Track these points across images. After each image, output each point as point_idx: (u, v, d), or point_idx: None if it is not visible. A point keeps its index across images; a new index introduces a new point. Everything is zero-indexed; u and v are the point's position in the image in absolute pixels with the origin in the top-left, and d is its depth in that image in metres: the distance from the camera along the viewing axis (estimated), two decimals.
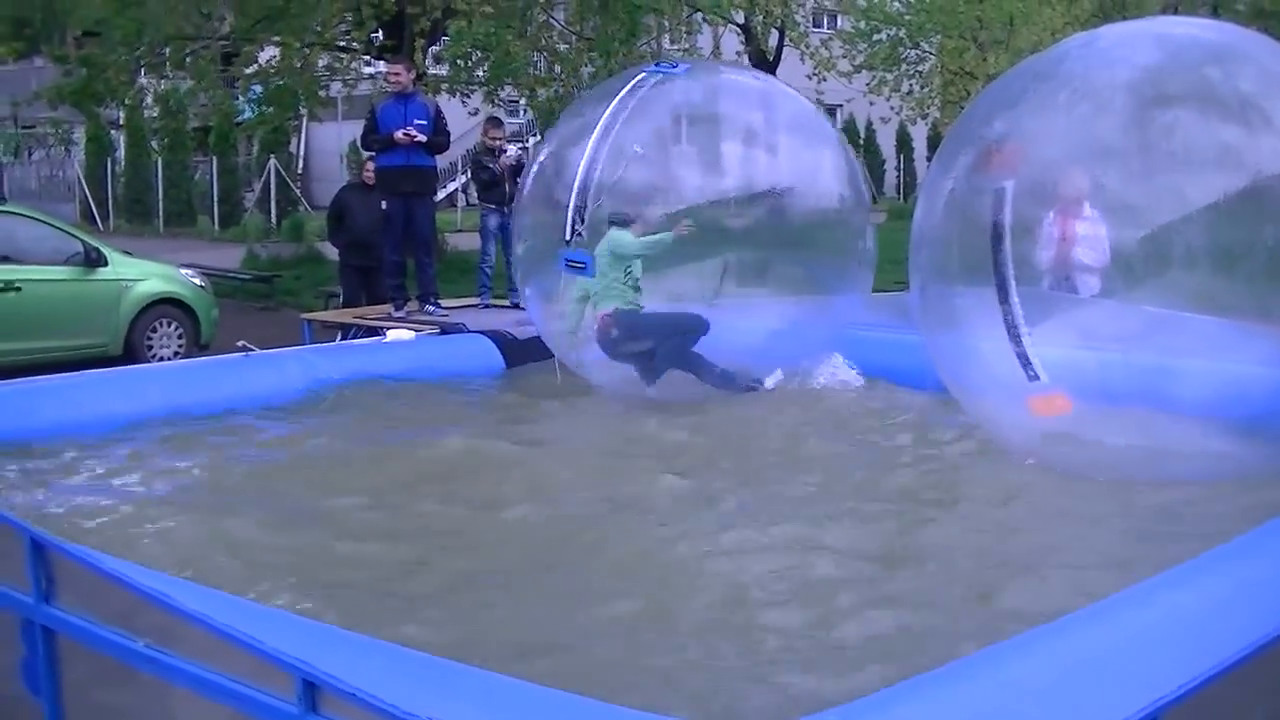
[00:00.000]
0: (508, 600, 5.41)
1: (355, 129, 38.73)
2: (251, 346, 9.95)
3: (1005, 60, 31.31)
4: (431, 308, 12.74)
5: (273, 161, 34.23)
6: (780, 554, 5.98)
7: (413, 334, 10.97)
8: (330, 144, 41.21)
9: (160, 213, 36.31)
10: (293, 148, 38.26)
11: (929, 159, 47.96)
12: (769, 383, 9.64)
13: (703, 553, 6.02)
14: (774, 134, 10.60)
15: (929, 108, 34.81)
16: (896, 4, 35.03)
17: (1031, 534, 6.41)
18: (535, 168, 10.37)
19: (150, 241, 29.09)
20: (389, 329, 11.22)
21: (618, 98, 9.67)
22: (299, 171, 38.29)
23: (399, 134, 12.31)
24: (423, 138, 12.47)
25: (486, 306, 13.31)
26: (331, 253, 17.40)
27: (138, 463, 7.62)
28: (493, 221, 13.38)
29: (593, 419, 9.29)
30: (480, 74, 19.84)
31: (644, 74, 10.00)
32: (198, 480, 7.34)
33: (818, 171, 10.37)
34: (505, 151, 13.56)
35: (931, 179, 8.35)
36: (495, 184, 13.30)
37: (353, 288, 14.67)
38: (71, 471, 7.31)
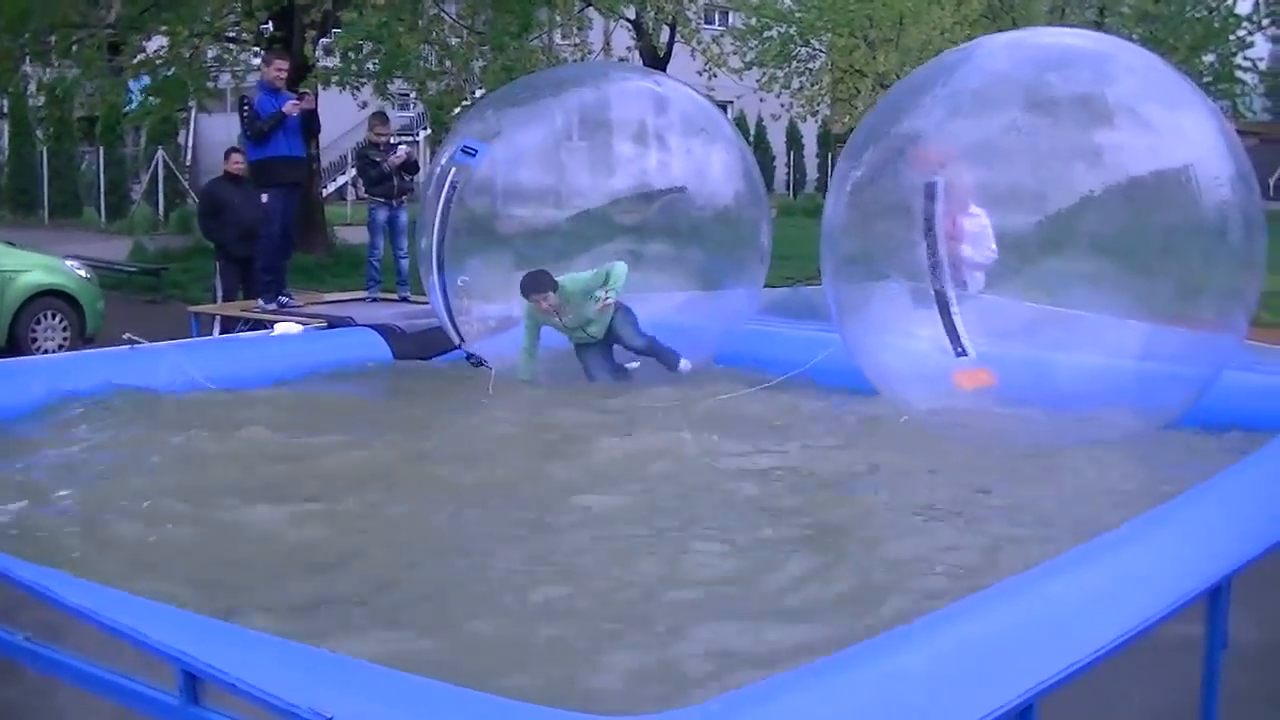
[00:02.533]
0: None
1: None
2: (137, 339, 9.90)
3: (895, 58, 31.72)
4: (285, 299, 12.76)
5: (160, 153, 33.74)
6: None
7: (300, 328, 10.97)
8: (219, 136, 40.61)
9: (45, 203, 35.67)
10: (181, 139, 37.76)
11: (819, 156, 48.58)
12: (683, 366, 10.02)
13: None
14: (669, 133, 10.89)
15: (819, 105, 35.13)
16: (787, 1, 35.37)
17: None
18: (438, 169, 10.60)
19: (36, 232, 28.51)
20: (276, 322, 11.21)
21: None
22: (187, 164, 37.79)
23: (289, 104, 12.30)
24: (311, 104, 12.56)
25: (375, 300, 13.34)
26: None
27: (14, 455, 7.61)
28: (381, 216, 13.45)
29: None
30: (371, 67, 19.76)
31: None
32: (76, 475, 7.31)
33: (714, 168, 10.73)
34: (394, 148, 13.60)
35: (840, 175, 8.73)
36: (383, 179, 13.36)
37: (231, 281, 14.51)
38: None
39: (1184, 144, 7.61)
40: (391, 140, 14.02)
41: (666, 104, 11.06)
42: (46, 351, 14.13)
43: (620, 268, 9.71)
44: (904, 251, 7.99)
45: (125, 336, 9.92)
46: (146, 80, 22.22)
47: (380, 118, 14.04)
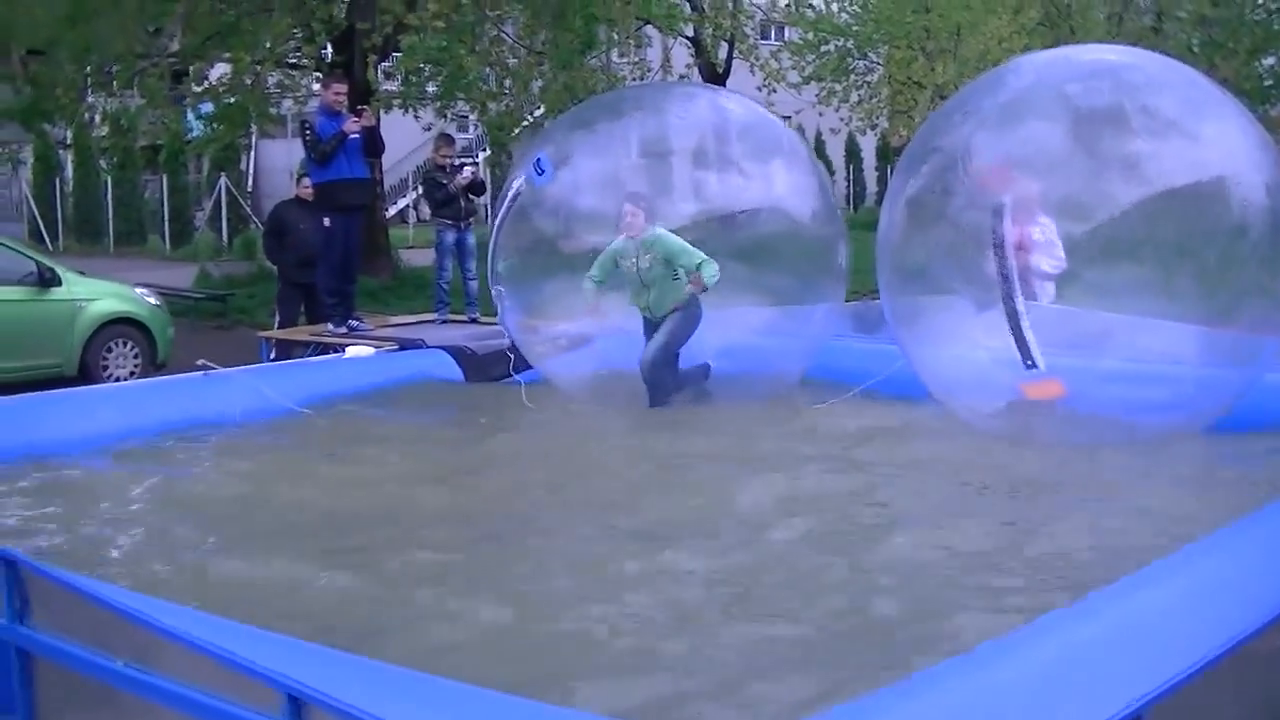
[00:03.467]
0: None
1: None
2: (212, 365, 9.91)
3: (952, 70, 31.59)
4: (355, 323, 12.74)
5: (223, 179, 34.03)
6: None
7: (372, 350, 10.97)
8: (279, 161, 41.08)
9: (110, 232, 36.05)
10: (242, 166, 38.05)
11: (877, 169, 48.39)
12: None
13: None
14: (744, 154, 10.77)
15: (877, 118, 35.02)
16: (844, 15, 35.27)
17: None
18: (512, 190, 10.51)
19: (100, 261, 28.82)
20: (348, 345, 11.22)
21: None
22: (249, 189, 38.11)
23: (349, 123, 12.30)
24: (372, 121, 12.62)
25: (444, 322, 13.33)
26: None
27: (100, 484, 7.62)
28: (449, 238, 13.41)
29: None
30: (432, 89, 19.83)
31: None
32: (164, 501, 7.33)
33: (788, 189, 10.54)
34: (459, 169, 13.59)
35: (895, 188, 8.88)
36: (450, 201, 13.31)
37: (292, 305, 14.58)
38: (35, 493, 7.27)
39: (1224, 153, 7.80)
40: (457, 161, 14.01)
41: (739, 124, 10.95)
42: (118, 379, 14.22)
43: (714, 265, 9.56)
44: (962, 262, 8.14)
45: (200, 363, 9.93)
46: (207, 108, 22.39)
47: (445, 139, 14.05)
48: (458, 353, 10.96)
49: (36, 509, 6.98)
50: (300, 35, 20.00)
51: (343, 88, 13.04)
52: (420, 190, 22.22)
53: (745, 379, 10.11)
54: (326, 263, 12.81)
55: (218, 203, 34.69)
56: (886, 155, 44.97)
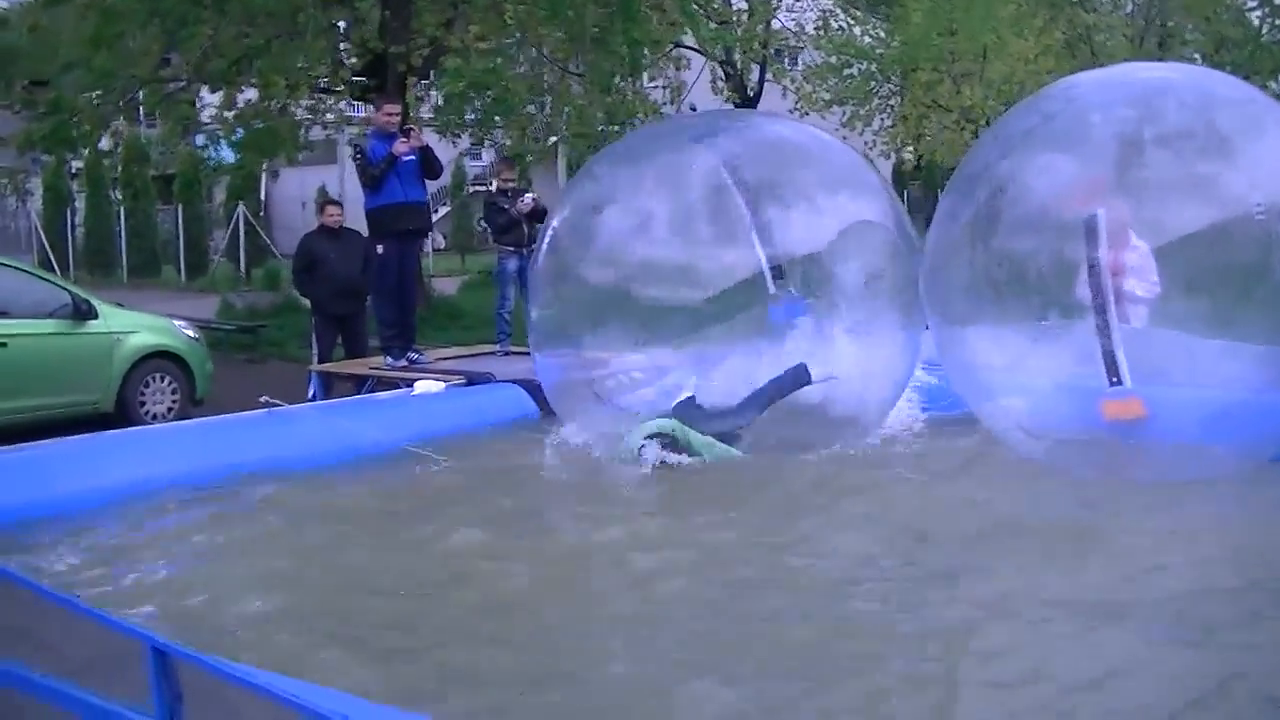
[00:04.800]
0: None
1: (317, 176, 38.48)
2: (276, 401, 9.30)
3: (979, 91, 31.13)
4: (415, 355, 12.19)
5: (241, 208, 33.35)
6: None
7: (442, 385, 10.31)
8: (292, 191, 40.51)
9: (124, 263, 35.41)
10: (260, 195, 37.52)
11: (898, 191, 47.82)
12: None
13: None
14: (825, 192, 9.71)
15: (905, 141, 34.46)
16: (868, 38, 34.81)
17: None
18: (550, 234, 9.75)
19: (115, 293, 27.74)
20: (416, 380, 10.55)
21: None
22: (261, 219, 37.52)
23: (398, 144, 11.74)
24: (423, 141, 12.06)
25: (506, 354, 12.68)
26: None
27: (182, 535, 6.97)
28: (511, 266, 12.81)
29: None
30: (471, 114, 19.18)
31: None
32: (253, 553, 6.68)
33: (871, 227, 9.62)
34: (521, 194, 12.97)
35: (945, 214, 8.61)
36: (512, 227, 12.72)
37: (329, 338, 14.01)
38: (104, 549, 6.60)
39: None
40: (516, 185, 13.40)
41: (804, 153, 10.01)
42: (156, 416, 13.57)
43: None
44: (1020, 288, 7.93)
45: (262, 399, 9.31)
46: (219, 138, 21.76)
47: (506, 163, 13.52)
48: (532, 387, 10.27)
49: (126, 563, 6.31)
50: (331, 59, 19.42)
51: (395, 108, 12.49)
52: (481, 216, 21.54)
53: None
54: (381, 292, 12.23)
55: (235, 232, 33.98)
56: (901, 179, 44.48)
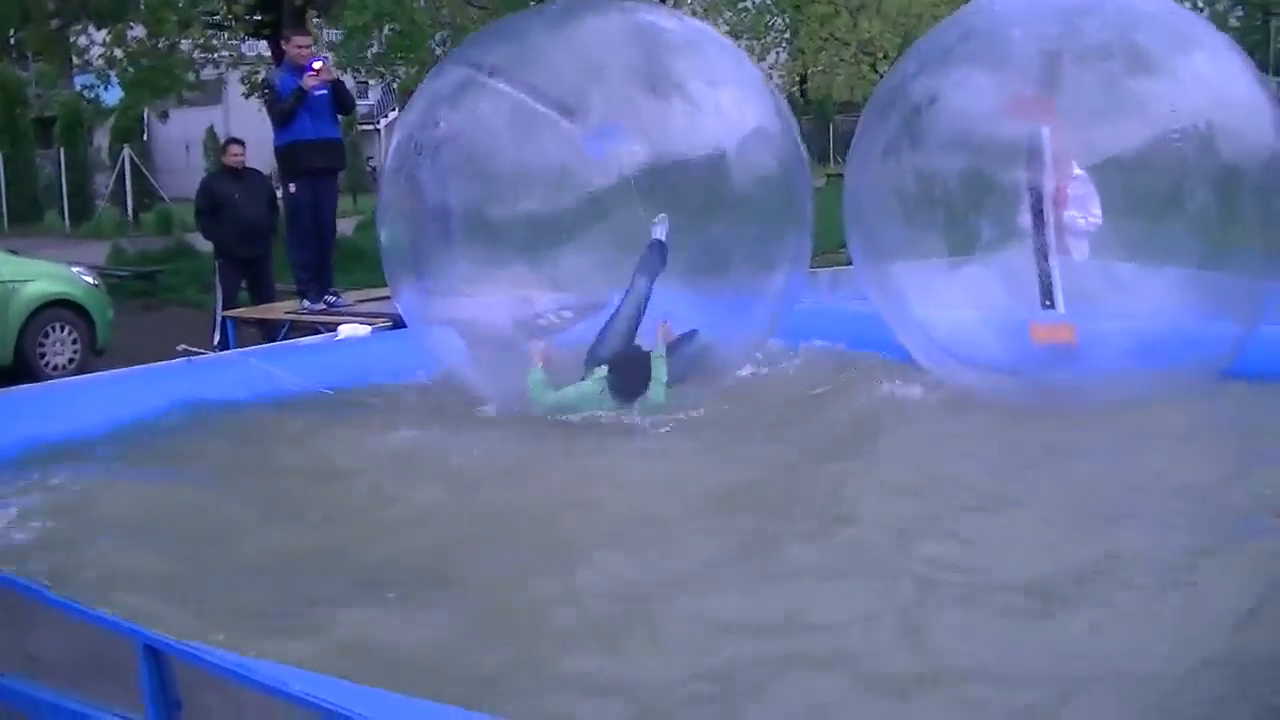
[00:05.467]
0: None
1: (202, 116, 37.42)
2: (196, 350, 8.83)
3: (876, 24, 30.97)
4: (332, 298, 11.72)
5: (126, 151, 32.24)
6: None
7: (368, 329, 9.85)
8: (174, 133, 39.31)
9: (4, 210, 34.20)
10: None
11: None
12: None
13: None
14: (694, 80, 8.49)
15: (801, 75, 34.24)
16: None
17: None
18: (396, 142, 8.59)
19: None
20: (340, 325, 10.08)
21: None
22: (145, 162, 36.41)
23: (307, 77, 11.21)
24: (334, 74, 11.59)
25: None
26: (204, 243, 16.07)
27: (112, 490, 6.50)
28: None
29: None
30: (373, 48, 18.54)
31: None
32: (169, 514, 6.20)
33: (750, 127, 8.51)
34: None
35: (864, 145, 8.17)
36: None
37: (233, 282, 13.47)
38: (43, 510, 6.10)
39: (1218, 89, 7.26)
40: None
41: (689, 45, 8.68)
42: (57, 368, 12.97)
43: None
44: (947, 213, 7.67)
45: (181, 348, 8.82)
46: (92, 79, 20.82)
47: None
48: None
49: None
50: None
51: (306, 40, 11.94)
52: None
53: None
54: (296, 233, 11.72)
55: (121, 176, 32.88)
56: (796, 112, 44.28)
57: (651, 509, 6.05)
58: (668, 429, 7.56)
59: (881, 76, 31.87)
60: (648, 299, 8.19)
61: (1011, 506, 6.02)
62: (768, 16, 34.62)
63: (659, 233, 8.20)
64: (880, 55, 31.87)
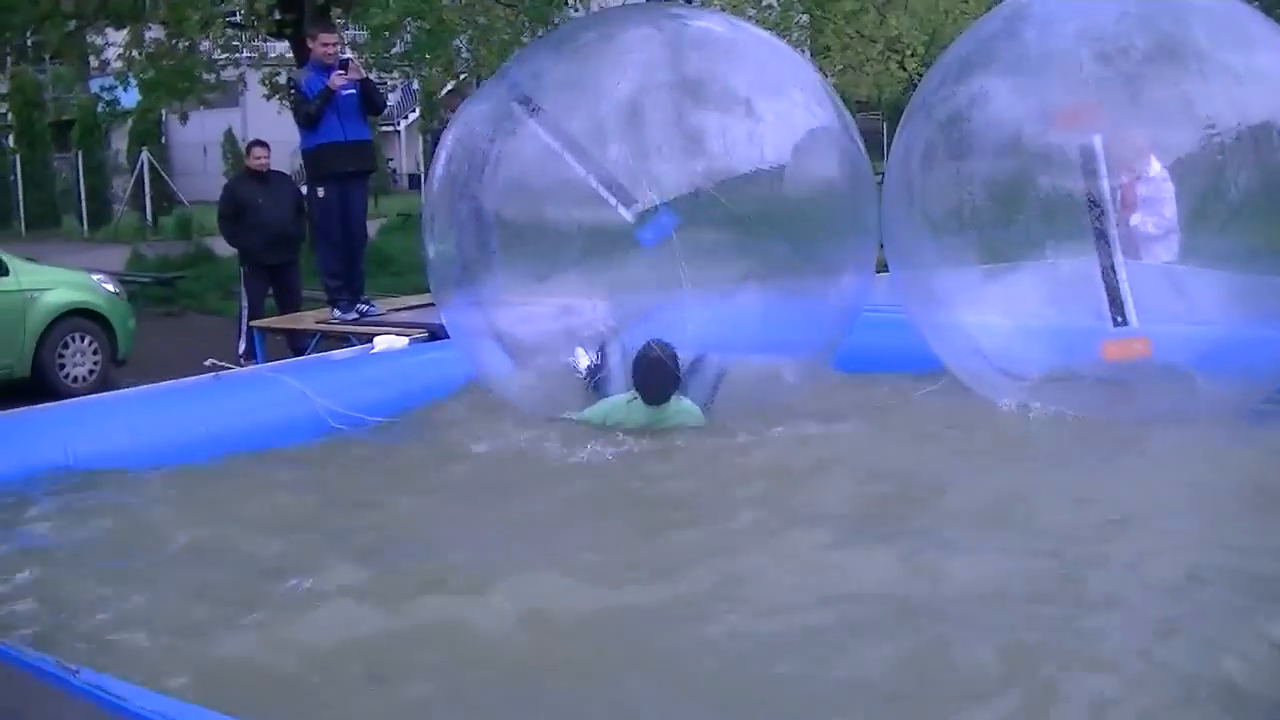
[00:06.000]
0: None
1: (219, 119, 36.95)
2: (224, 364, 8.37)
3: (905, 21, 30.46)
4: (365, 307, 11.25)
5: (145, 154, 31.73)
6: None
7: (405, 340, 9.36)
8: (192, 136, 38.85)
9: (21, 215, 33.78)
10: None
11: None
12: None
13: None
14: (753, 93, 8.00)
15: (829, 75, 33.64)
16: None
17: None
18: (444, 154, 8.20)
19: (12, 246, 26.35)
20: (374, 335, 9.59)
21: None
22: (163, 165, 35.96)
23: (334, 76, 10.80)
24: (361, 73, 11.26)
25: None
26: (225, 248, 15.66)
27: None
28: None
29: None
30: (399, 47, 18.01)
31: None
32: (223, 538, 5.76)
33: (809, 135, 8.04)
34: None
35: (904, 148, 7.91)
36: None
37: (259, 289, 13.10)
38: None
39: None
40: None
41: (741, 54, 8.25)
42: (77, 380, 12.51)
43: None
44: (990, 221, 7.42)
45: (208, 363, 8.35)
46: (111, 81, 20.34)
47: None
48: None
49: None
50: None
51: (332, 38, 11.53)
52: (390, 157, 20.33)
53: None
54: (325, 240, 11.28)
55: (139, 180, 32.40)
56: None
57: None
58: None
59: (909, 74, 31.74)
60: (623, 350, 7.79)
61: None
62: (792, 14, 34.11)
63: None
64: (908, 53, 31.38)
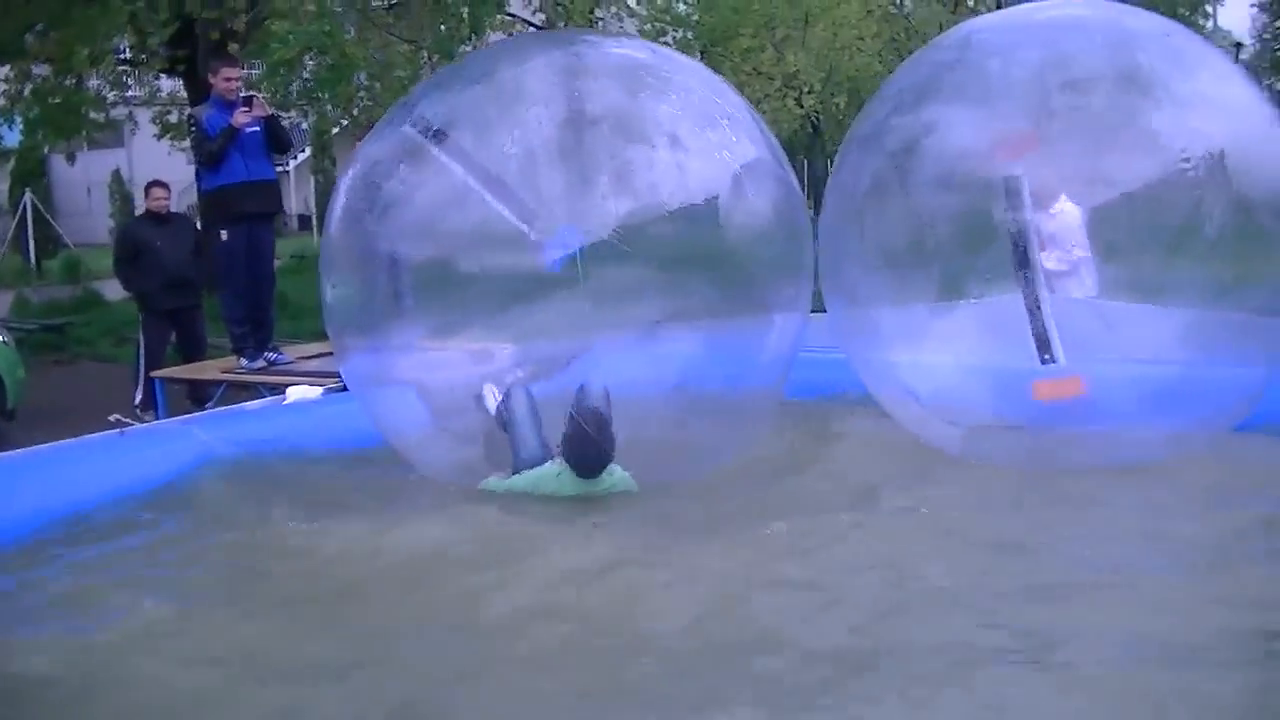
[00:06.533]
0: None
1: (104, 159, 36.03)
2: (126, 420, 7.83)
3: (802, 58, 30.50)
4: (273, 355, 10.77)
5: (28, 195, 30.78)
6: None
7: (318, 390, 8.86)
8: (77, 176, 37.91)
9: None
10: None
11: None
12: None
13: None
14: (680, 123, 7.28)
15: None
16: (682, 5, 34.06)
17: None
18: (344, 190, 7.51)
19: None
20: (289, 387, 9.08)
21: None
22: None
23: (237, 114, 10.37)
24: (267, 110, 10.74)
25: None
26: (115, 291, 15.04)
27: None
28: None
29: None
30: (297, 83, 17.50)
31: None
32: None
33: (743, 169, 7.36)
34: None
35: (841, 183, 7.76)
36: None
37: (158, 336, 12.63)
38: None
39: (1227, 118, 6.83)
40: None
41: (669, 82, 7.41)
42: None
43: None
44: (928, 256, 7.22)
45: (113, 419, 7.81)
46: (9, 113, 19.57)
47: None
48: None
49: None
50: (135, 26, 17.48)
51: (234, 72, 11.05)
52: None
53: None
54: (229, 285, 10.75)
55: (21, 222, 31.40)
56: None
57: None
58: None
59: (805, 110, 31.75)
60: (530, 397, 7.21)
61: None
62: (689, 52, 34.00)
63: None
64: (805, 89, 31.46)
